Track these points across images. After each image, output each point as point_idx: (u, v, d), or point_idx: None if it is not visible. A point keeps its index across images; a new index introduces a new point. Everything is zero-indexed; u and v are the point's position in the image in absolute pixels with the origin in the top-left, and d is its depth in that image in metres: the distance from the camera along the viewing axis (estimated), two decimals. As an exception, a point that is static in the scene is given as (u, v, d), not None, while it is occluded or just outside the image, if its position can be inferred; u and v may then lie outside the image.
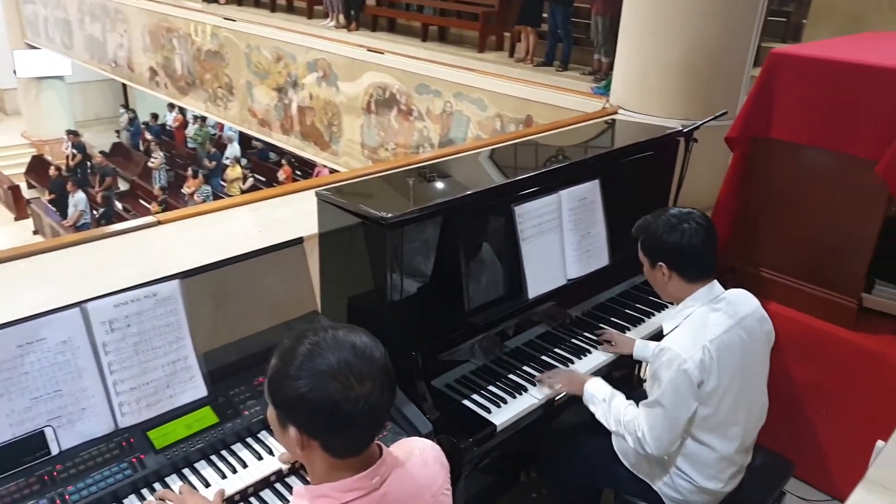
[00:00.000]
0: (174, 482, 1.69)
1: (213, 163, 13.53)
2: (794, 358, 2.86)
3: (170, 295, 1.81)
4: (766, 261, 2.94)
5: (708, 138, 3.24)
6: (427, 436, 1.95)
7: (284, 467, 1.77)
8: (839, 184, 2.66)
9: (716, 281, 2.07)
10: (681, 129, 3.05)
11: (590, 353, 2.51)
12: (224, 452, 1.79)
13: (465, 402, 2.22)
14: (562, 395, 2.30)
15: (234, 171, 12.51)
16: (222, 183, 12.72)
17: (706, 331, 1.96)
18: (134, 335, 1.75)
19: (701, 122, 3.07)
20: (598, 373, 2.44)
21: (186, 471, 1.72)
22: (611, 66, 5.53)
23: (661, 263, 2.06)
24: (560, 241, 2.58)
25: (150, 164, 13.82)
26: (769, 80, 2.75)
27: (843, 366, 2.74)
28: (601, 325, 2.66)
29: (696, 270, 2.04)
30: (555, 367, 2.39)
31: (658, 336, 2.15)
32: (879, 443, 2.15)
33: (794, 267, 2.86)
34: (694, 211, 2.08)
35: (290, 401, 1.16)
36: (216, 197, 11.70)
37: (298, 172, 13.17)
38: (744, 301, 2.09)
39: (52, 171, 13.70)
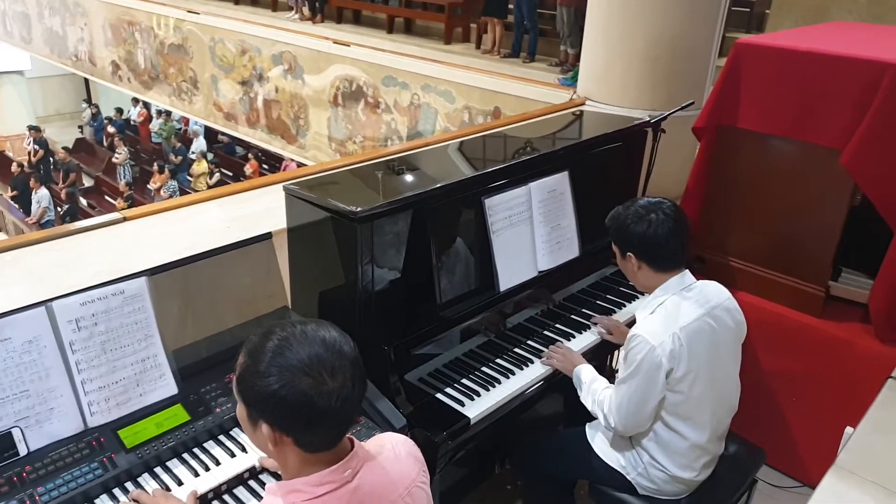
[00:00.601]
0: (146, 481, 1.66)
1: (179, 158, 13.28)
2: (763, 346, 2.90)
3: (137, 292, 1.77)
4: (734, 250, 2.98)
5: (675, 129, 3.26)
6: (401, 430, 1.94)
7: (267, 465, 1.75)
8: (805, 173, 2.71)
9: (687, 271, 2.10)
10: (648, 119, 3.07)
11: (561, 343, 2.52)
12: (196, 450, 1.76)
13: (439, 395, 2.21)
14: (537, 384, 2.32)
15: (201, 166, 12.30)
16: (189, 178, 12.51)
17: (677, 319, 1.98)
18: (101, 333, 1.71)
19: (668, 113, 3.09)
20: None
21: (158, 469, 1.69)
22: (577, 58, 5.56)
23: (630, 254, 2.08)
24: (531, 233, 2.58)
25: (114, 159, 13.54)
26: (734, 70, 2.77)
27: (812, 353, 2.79)
28: (573, 315, 2.67)
29: (664, 260, 2.05)
30: (528, 358, 2.40)
31: (631, 326, 2.17)
32: (848, 429, 2.19)
33: (761, 256, 2.91)
34: (664, 201, 2.09)
35: (261, 398, 1.14)
36: (183, 192, 11.52)
37: (266, 167, 13.02)
38: (715, 291, 2.11)
39: (13, 168, 13.37)
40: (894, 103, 2.40)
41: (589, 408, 2.18)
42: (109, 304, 1.72)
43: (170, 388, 1.82)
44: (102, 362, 1.70)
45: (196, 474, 1.69)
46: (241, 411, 1.21)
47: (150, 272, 1.83)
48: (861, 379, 2.59)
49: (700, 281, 2.12)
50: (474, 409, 2.16)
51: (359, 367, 1.19)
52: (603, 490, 2.24)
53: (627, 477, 2.16)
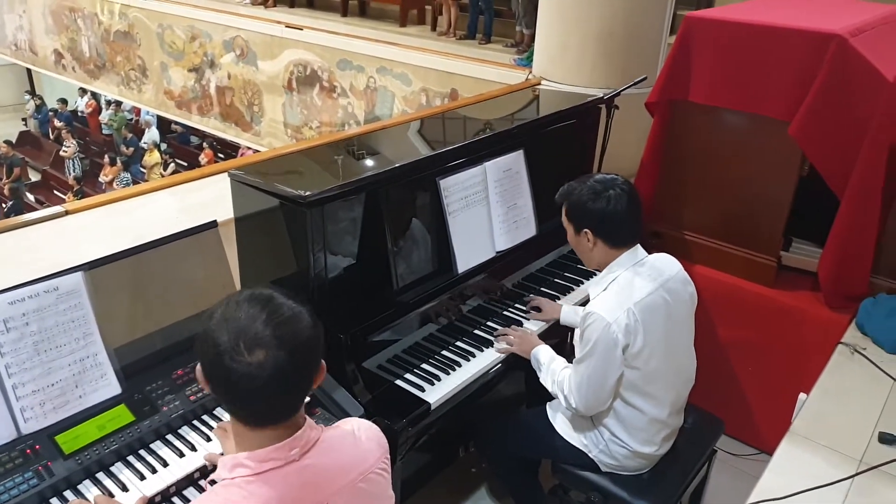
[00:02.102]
0: (87, 488, 1.58)
1: (131, 149, 12.91)
2: (719, 318, 2.93)
3: (73, 288, 1.68)
4: (689, 224, 3.00)
5: (629, 106, 3.26)
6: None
7: (214, 461, 1.69)
8: (755, 145, 2.72)
9: (639, 245, 2.09)
10: (602, 96, 3.06)
11: (521, 324, 2.51)
12: (142, 452, 1.69)
13: (398, 381, 2.18)
14: (498, 366, 2.30)
15: (153, 157, 11.97)
16: (142, 169, 12.16)
17: (631, 294, 1.97)
18: (34, 334, 1.62)
19: (621, 89, 3.08)
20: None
21: (101, 475, 1.61)
22: (532, 38, 5.52)
23: (586, 230, 2.07)
24: (487, 213, 2.55)
25: (62, 152, 13.09)
26: (685, 44, 2.77)
27: (765, 323, 2.83)
28: (532, 295, 2.65)
29: (621, 236, 2.05)
30: (489, 340, 2.37)
31: (588, 303, 2.17)
32: (802, 395, 2.24)
33: (715, 228, 2.93)
34: (617, 177, 2.08)
35: (206, 367, 1.16)
36: (137, 184, 11.18)
37: (221, 156, 12.70)
38: (667, 264, 2.11)
39: (-47, 164, 12.83)
40: (839, 73, 2.42)
41: (549, 389, 2.17)
42: (42, 302, 1.63)
43: (112, 387, 1.73)
44: (36, 364, 1.61)
45: (142, 477, 1.62)
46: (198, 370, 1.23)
47: (88, 266, 1.74)
48: (812, 346, 2.64)
49: (652, 255, 2.12)
50: (435, 394, 2.14)
51: (300, 344, 1.14)
52: (566, 469, 2.23)
53: (589, 455, 2.16)
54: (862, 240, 2.56)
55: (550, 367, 2.17)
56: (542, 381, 2.20)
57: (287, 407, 1.16)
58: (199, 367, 1.17)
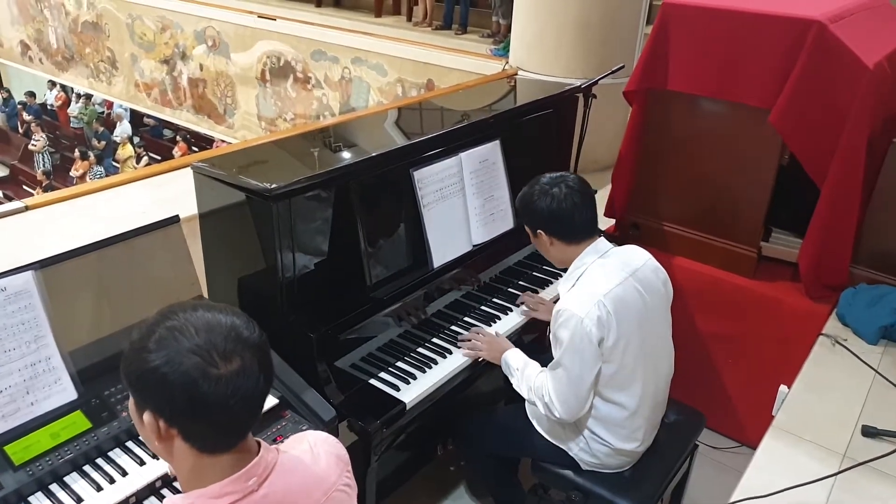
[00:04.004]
0: (39, 501, 1.49)
1: (103, 143, 12.65)
2: (699, 310, 2.90)
3: (22, 288, 1.59)
4: (668, 215, 2.96)
5: (607, 95, 3.21)
6: (330, 422, 1.83)
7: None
8: (735, 134, 2.68)
9: (602, 238, 2.05)
10: (578, 85, 3.00)
11: (499, 319, 2.45)
12: (100, 461, 1.60)
13: (372, 381, 2.11)
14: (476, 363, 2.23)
15: (126, 150, 11.73)
16: (115, 164, 11.92)
17: (600, 286, 1.92)
18: (-21, 339, 1.52)
19: (598, 78, 3.03)
20: (510, 337, 2.38)
21: (54, 487, 1.52)
22: (509, 28, 5.47)
23: (539, 231, 2.04)
24: (463, 205, 2.48)
25: (31, 146, 12.78)
26: (662, 31, 2.72)
27: (745, 314, 2.80)
28: (510, 289, 2.60)
29: (573, 233, 2.01)
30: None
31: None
32: (783, 388, 2.20)
33: (695, 219, 2.89)
34: (567, 174, 2.06)
35: (142, 377, 1.01)
36: (107, 179, 10.94)
37: (195, 149, 12.49)
38: (634, 254, 2.07)
39: (-83, 160, 12.50)
40: (818, 60, 2.38)
41: (525, 396, 2.09)
42: (-12, 305, 1.54)
43: (67, 393, 1.64)
44: (-18, 370, 1.52)
45: (99, 488, 1.53)
46: (130, 402, 1.09)
47: (39, 265, 1.64)
48: (793, 337, 2.61)
49: (618, 247, 2.07)
50: (410, 393, 2.07)
51: (261, 354, 1.06)
52: (546, 467, 2.18)
53: (570, 453, 2.11)
54: (842, 229, 2.53)
55: (525, 373, 2.09)
56: (515, 387, 2.13)
57: (250, 420, 1.08)
58: (147, 415, 1.04)
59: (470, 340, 2.27)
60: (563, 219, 1.99)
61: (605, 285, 1.92)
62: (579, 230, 2.01)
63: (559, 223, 2.00)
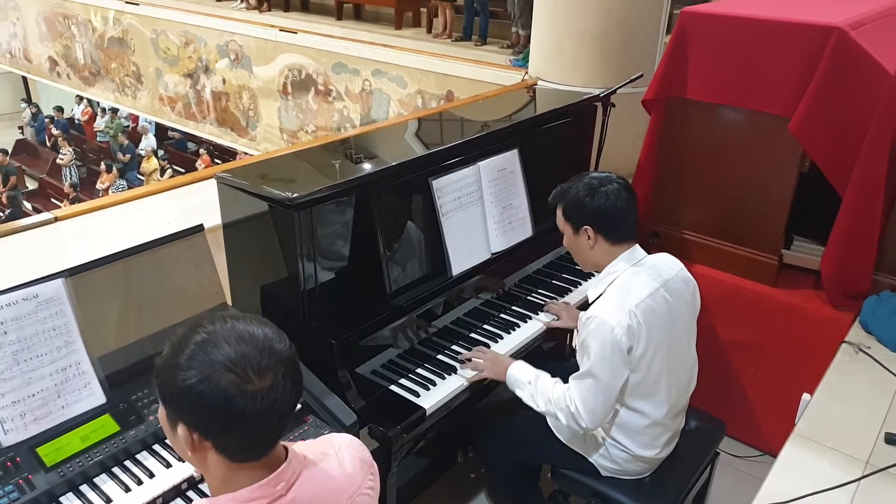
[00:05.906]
0: (70, 502, 1.53)
1: (128, 156, 12.87)
2: (719, 318, 2.88)
3: (53, 295, 1.63)
4: (688, 223, 2.95)
5: (626, 104, 3.21)
6: (351, 426, 1.85)
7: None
8: (754, 142, 2.68)
9: (637, 245, 2.04)
10: (597, 94, 3.01)
11: (518, 326, 2.46)
12: (128, 463, 1.64)
13: (393, 387, 2.13)
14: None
15: (151, 164, 11.93)
16: (140, 177, 12.13)
17: (631, 295, 1.92)
18: (13, 343, 1.56)
19: (617, 87, 3.04)
20: (529, 345, 2.40)
21: (84, 487, 1.56)
22: (528, 39, 5.49)
23: (586, 227, 2.01)
24: (482, 214, 2.50)
25: (59, 160, 13.04)
26: (681, 40, 2.73)
27: (767, 322, 2.78)
28: (529, 297, 2.61)
29: (621, 232, 2.00)
30: (486, 343, 2.32)
31: (587, 305, 2.11)
32: (805, 396, 2.18)
33: (715, 227, 2.88)
34: (611, 174, 2.05)
35: (177, 394, 1.03)
36: (132, 191, 11.11)
37: (219, 161, 12.68)
38: (667, 263, 2.06)
39: (-50, 173, 12.78)
40: (839, 67, 2.37)
41: (541, 409, 2.04)
42: (21, 310, 1.58)
43: (96, 397, 1.68)
44: (15, 374, 1.56)
45: (127, 489, 1.57)
46: (161, 412, 1.10)
47: (69, 273, 1.69)
48: (815, 345, 2.58)
49: (652, 255, 2.07)
50: (430, 400, 2.09)
51: (293, 367, 1.08)
52: (566, 473, 2.18)
53: (589, 459, 2.11)
54: (865, 236, 2.51)
55: (538, 385, 2.04)
56: (526, 401, 2.07)
57: (281, 431, 1.10)
58: (181, 428, 1.05)
59: (471, 360, 2.22)
60: (614, 217, 1.97)
61: (637, 294, 1.92)
62: (625, 231, 2.00)
63: (610, 221, 1.98)
